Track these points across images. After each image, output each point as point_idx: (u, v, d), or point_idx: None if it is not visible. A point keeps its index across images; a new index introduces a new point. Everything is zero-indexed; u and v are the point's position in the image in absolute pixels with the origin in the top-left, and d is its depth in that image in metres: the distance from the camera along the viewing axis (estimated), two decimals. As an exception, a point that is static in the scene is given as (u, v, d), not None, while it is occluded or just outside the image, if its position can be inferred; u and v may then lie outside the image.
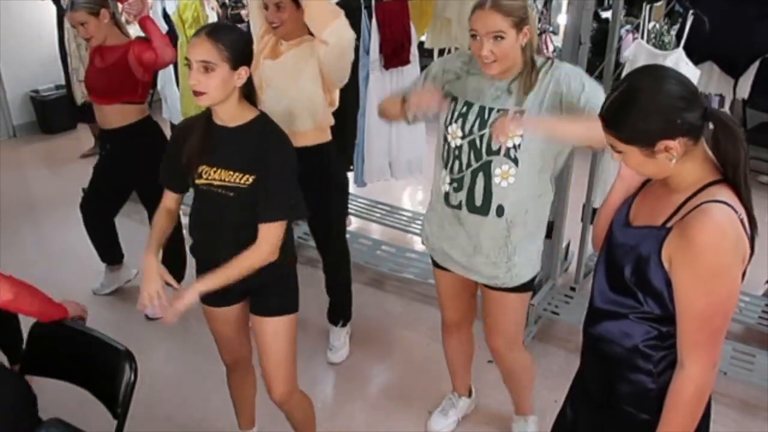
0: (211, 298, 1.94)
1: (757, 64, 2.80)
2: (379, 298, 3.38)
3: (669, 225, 1.28)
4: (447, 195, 1.98)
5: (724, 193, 1.24)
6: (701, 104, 1.24)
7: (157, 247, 1.85)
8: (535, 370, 2.34)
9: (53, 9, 4.60)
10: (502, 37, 1.75)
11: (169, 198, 1.92)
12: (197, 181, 1.80)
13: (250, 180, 1.75)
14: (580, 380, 1.59)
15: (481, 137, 1.86)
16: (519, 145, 1.83)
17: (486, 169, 1.88)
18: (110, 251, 3.37)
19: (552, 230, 3.05)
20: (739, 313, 2.98)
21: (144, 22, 2.80)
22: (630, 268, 1.34)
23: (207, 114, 1.79)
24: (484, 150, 1.87)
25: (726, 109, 2.85)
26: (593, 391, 1.51)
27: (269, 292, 1.93)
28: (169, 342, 3.06)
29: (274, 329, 1.94)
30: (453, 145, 1.92)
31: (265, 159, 1.75)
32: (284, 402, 2.05)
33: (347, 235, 3.74)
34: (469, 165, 1.90)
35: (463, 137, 1.89)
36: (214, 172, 1.77)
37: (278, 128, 1.82)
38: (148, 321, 3.17)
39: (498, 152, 1.85)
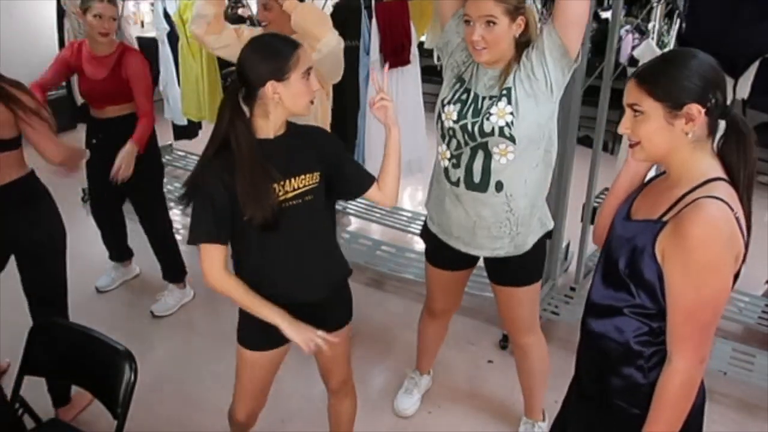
0: (268, 339, 1.79)
1: (757, 64, 2.80)
2: (379, 298, 3.38)
3: (665, 219, 1.28)
4: (447, 170, 1.99)
5: (723, 191, 1.25)
6: (726, 98, 1.27)
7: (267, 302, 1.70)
8: (548, 363, 2.35)
9: (53, 9, 4.60)
10: (494, 23, 1.76)
11: (220, 254, 1.64)
12: (279, 198, 1.64)
13: (318, 178, 1.72)
14: (577, 377, 1.60)
15: (473, 123, 1.87)
16: (512, 123, 1.83)
17: (485, 148, 1.89)
18: (121, 248, 3.39)
19: (552, 230, 3.05)
20: (739, 313, 2.98)
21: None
22: (624, 260, 1.35)
23: (248, 140, 1.59)
24: (477, 134, 1.87)
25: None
26: (587, 385, 1.52)
27: (333, 304, 1.86)
28: (170, 342, 3.06)
29: (339, 338, 1.83)
30: (447, 125, 1.93)
31: (326, 151, 1.75)
32: (342, 391, 2.05)
33: (347, 236, 3.76)
34: (466, 143, 1.91)
35: (455, 121, 1.90)
36: (286, 184, 1.64)
37: (308, 125, 1.82)
38: (148, 321, 3.18)
39: (492, 133, 1.85)
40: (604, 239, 1.46)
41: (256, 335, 1.81)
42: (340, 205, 4.15)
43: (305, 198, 1.69)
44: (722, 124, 1.31)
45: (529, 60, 1.82)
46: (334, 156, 1.78)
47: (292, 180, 1.66)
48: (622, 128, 1.33)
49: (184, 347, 3.00)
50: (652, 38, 2.88)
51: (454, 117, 1.90)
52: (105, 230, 3.31)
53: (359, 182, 1.84)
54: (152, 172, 3.08)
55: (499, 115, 1.83)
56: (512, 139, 1.84)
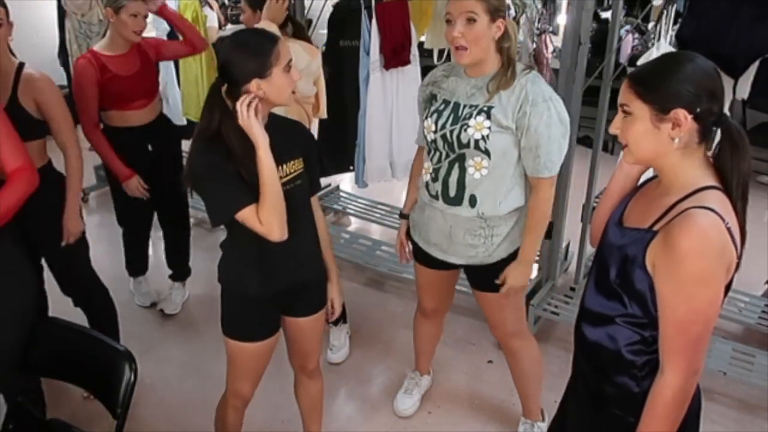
0: (259, 330, 1.88)
1: (756, 64, 2.79)
2: (379, 298, 3.38)
3: (655, 228, 1.27)
4: (427, 184, 2.04)
5: (714, 200, 1.22)
6: (722, 106, 1.24)
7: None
8: (542, 365, 2.35)
9: (53, 9, 4.60)
10: (474, 20, 1.79)
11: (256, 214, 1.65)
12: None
13: (303, 163, 1.80)
14: (574, 380, 1.59)
15: (452, 132, 1.90)
16: (488, 137, 1.86)
17: (461, 161, 1.93)
18: (144, 261, 3.31)
19: (552, 230, 3.05)
20: (739, 313, 2.98)
21: (163, 12, 2.81)
22: (615, 270, 1.33)
23: (238, 133, 1.62)
24: (455, 144, 1.91)
25: (726, 109, 2.85)
26: (583, 391, 1.52)
27: (315, 287, 1.96)
28: (169, 342, 3.06)
29: (320, 319, 1.99)
30: (429, 138, 1.98)
31: (305, 136, 1.89)
32: (317, 371, 2.14)
33: (347, 236, 3.76)
34: (447, 156, 1.95)
35: (435, 131, 1.94)
36: (280, 170, 1.70)
37: (286, 117, 1.90)
38: (147, 321, 3.18)
39: (468, 145, 1.88)
40: (600, 241, 1.46)
41: (244, 326, 1.88)
42: (339, 204, 4.16)
43: (296, 182, 1.77)
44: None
45: (518, 107, 1.83)
46: (309, 149, 1.86)
47: (284, 166, 1.73)
48: (613, 128, 1.32)
49: (184, 347, 3.00)
50: (661, 39, 2.86)
51: (433, 128, 1.95)
52: (136, 243, 3.21)
53: (312, 184, 1.89)
54: (180, 175, 3.05)
55: (476, 128, 1.86)
56: (487, 152, 1.88)
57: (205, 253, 3.45)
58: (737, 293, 3.05)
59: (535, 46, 3.56)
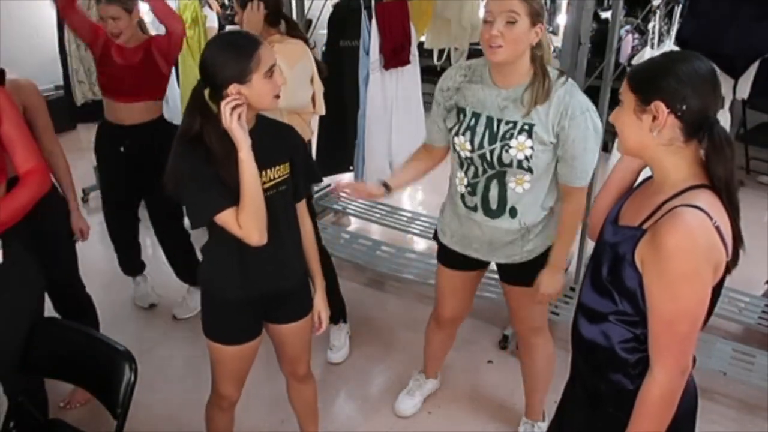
0: (238, 334, 1.88)
1: (756, 64, 2.80)
2: (379, 299, 3.38)
3: (645, 226, 1.27)
4: (463, 196, 2.01)
5: (703, 199, 1.22)
6: (711, 109, 1.24)
7: None
8: (554, 365, 2.34)
9: (53, 9, 4.61)
10: (515, 21, 1.73)
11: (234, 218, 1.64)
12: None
13: (289, 168, 1.78)
14: (571, 380, 1.60)
15: (492, 151, 1.86)
16: (531, 156, 1.84)
17: (500, 177, 1.90)
18: (136, 261, 3.28)
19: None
20: (739, 313, 2.98)
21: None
22: (607, 267, 1.34)
23: (219, 137, 1.61)
24: (496, 163, 1.87)
25: (726, 109, 2.85)
26: (579, 390, 1.52)
27: (300, 293, 1.93)
28: (170, 342, 3.06)
29: (305, 325, 1.96)
30: (463, 155, 1.93)
31: (293, 142, 1.82)
32: (309, 375, 2.11)
33: (347, 236, 3.76)
34: (485, 172, 1.92)
35: (472, 150, 1.90)
36: (263, 175, 1.68)
37: (278, 121, 1.87)
38: (148, 321, 3.18)
39: (511, 164, 1.86)
40: (597, 238, 1.46)
41: (224, 329, 1.87)
42: (339, 204, 4.16)
43: (280, 188, 1.75)
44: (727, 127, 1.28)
45: (557, 120, 1.81)
46: (297, 154, 1.83)
47: (268, 171, 1.71)
48: (610, 117, 1.35)
49: (185, 347, 2.99)
50: (665, 39, 2.86)
51: (469, 147, 1.90)
52: (122, 243, 3.18)
53: (296, 191, 1.85)
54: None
55: (518, 148, 1.83)
56: (530, 170, 1.86)
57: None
58: (737, 293, 3.05)
59: (535, 46, 3.56)
